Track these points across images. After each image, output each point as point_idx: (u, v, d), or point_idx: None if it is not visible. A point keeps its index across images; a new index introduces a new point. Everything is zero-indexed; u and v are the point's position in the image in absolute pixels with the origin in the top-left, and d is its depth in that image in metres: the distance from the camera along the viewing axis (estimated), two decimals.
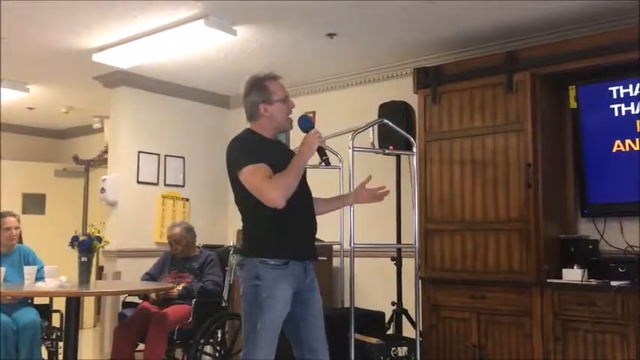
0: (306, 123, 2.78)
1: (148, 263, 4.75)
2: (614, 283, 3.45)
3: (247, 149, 2.66)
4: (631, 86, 3.76)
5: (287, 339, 2.74)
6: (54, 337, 4.33)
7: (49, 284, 3.60)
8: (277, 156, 2.68)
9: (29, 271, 3.87)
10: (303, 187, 2.73)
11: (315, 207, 2.87)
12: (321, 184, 4.94)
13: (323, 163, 2.77)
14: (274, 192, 2.54)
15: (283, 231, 2.64)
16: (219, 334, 4.43)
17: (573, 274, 3.65)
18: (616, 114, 3.83)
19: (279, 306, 2.58)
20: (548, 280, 3.71)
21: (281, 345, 2.64)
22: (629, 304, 3.41)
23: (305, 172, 2.76)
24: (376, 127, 4.11)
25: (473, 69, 4.12)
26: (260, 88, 2.74)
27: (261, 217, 2.62)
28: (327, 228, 4.55)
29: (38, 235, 5.57)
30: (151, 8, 3.94)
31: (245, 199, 2.65)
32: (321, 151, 2.73)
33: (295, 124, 2.82)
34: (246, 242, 2.71)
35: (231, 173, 2.67)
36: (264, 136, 2.74)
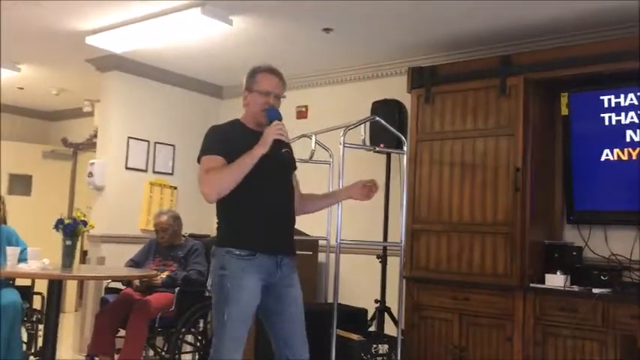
0: (273, 114, 2.64)
1: (133, 249, 4.73)
2: (595, 291, 3.48)
3: (211, 139, 2.66)
4: (622, 96, 3.78)
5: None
6: (34, 319, 4.31)
7: (31, 266, 3.58)
8: (248, 148, 2.55)
9: (12, 252, 3.83)
10: (280, 181, 2.68)
11: (311, 203, 2.86)
12: (311, 179, 4.95)
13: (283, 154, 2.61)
14: (204, 186, 2.55)
15: (250, 222, 2.59)
16: (201, 324, 4.42)
17: (556, 280, 3.67)
18: (606, 123, 3.85)
19: (245, 296, 2.52)
20: (531, 285, 3.73)
21: (267, 342, 2.61)
22: (609, 311, 3.44)
23: (289, 166, 2.72)
24: (368, 124, 4.11)
25: (467, 71, 4.13)
26: (249, 76, 2.72)
27: (229, 207, 2.61)
28: (314, 223, 4.57)
29: (23, 216, 5.52)
30: None
31: None
32: (282, 144, 2.57)
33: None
34: (217, 232, 2.70)
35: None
36: (247, 126, 2.70)
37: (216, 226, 2.71)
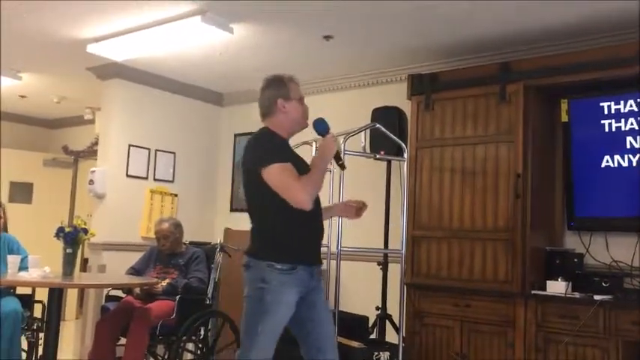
0: (323, 126, 2.77)
1: (134, 257, 4.72)
2: (597, 297, 3.48)
3: (272, 147, 2.64)
4: (622, 103, 3.79)
5: (287, 342, 2.73)
6: (35, 327, 4.29)
7: (32, 274, 3.57)
8: (294, 157, 2.68)
9: (13, 260, 3.83)
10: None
11: None
12: None
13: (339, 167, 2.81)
14: (303, 194, 2.54)
15: (294, 235, 2.63)
16: (202, 332, 4.41)
17: (557, 287, 3.67)
18: (606, 129, 3.86)
19: (283, 311, 2.56)
20: (533, 292, 3.73)
21: (279, 347, 2.63)
22: (611, 318, 3.43)
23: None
24: (368, 131, 4.12)
25: (467, 78, 4.14)
26: (279, 84, 2.76)
27: (275, 219, 2.61)
28: None
29: (24, 224, 5.52)
30: (150, 2, 3.92)
31: (262, 200, 2.62)
32: (337, 155, 2.74)
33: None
34: (256, 244, 2.67)
35: (250, 171, 2.64)
36: (281, 135, 2.73)
37: (251, 235, 2.71)
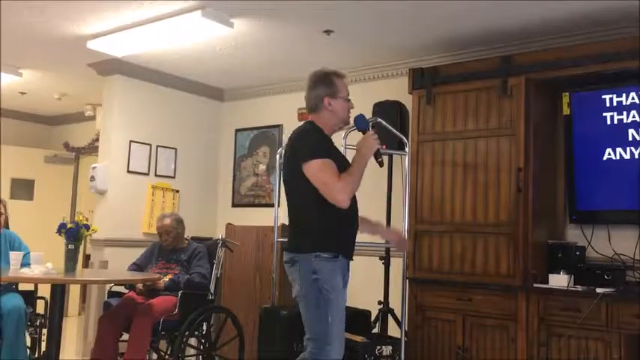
0: (363, 123, 2.82)
1: (136, 253, 4.73)
2: (599, 290, 3.48)
3: (316, 142, 2.69)
4: (624, 95, 3.78)
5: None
6: (38, 323, 4.30)
7: (34, 270, 3.58)
8: (335, 154, 2.73)
9: (15, 256, 3.83)
10: None
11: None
12: None
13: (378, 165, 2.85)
14: (342, 192, 2.60)
15: (335, 227, 2.68)
16: (205, 327, 4.42)
17: (559, 280, 3.67)
18: (608, 122, 3.85)
19: (340, 296, 2.66)
20: (535, 285, 3.73)
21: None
22: (613, 311, 3.43)
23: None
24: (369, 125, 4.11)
25: (468, 72, 4.13)
26: (327, 82, 2.80)
27: (318, 212, 2.66)
28: None
29: (26, 221, 5.53)
30: None
31: (305, 193, 2.67)
32: (377, 152, 2.78)
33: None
34: (298, 238, 2.73)
35: (294, 164, 2.68)
36: (324, 131, 2.79)
37: (290, 230, 2.79)
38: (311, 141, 2.70)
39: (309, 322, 2.65)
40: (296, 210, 2.76)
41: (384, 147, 4.14)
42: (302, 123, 2.86)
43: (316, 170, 2.60)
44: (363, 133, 2.81)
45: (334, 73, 2.84)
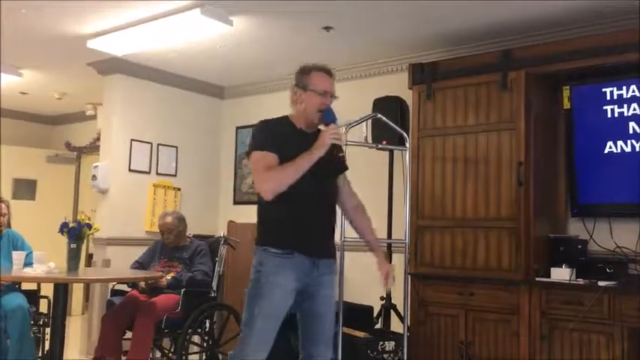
0: (329, 117, 2.67)
1: (138, 251, 4.74)
2: (601, 284, 3.47)
3: (262, 134, 2.65)
4: (624, 88, 3.77)
5: (286, 339, 2.73)
6: (41, 323, 4.32)
7: (37, 270, 3.59)
8: (297, 148, 2.58)
9: (18, 256, 3.85)
10: (325, 184, 2.70)
11: (358, 224, 2.90)
12: None
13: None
14: (265, 184, 2.55)
15: (290, 222, 2.61)
16: (207, 325, 4.43)
17: (561, 274, 3.66)
18: (609, 115, 3.84)
19: (278, 294, 2.55)
20: (537, 279, 3.73)
21: (279, 344, 2.63)
22: (615, 304, 3.43)
23: (337, 170, 2.77)
24: (370, 121, 4.11)
25: (468, 66, 4.12)
26: (302, 74, 2.72)
27: (270, 205, 2.59)
28: None
29: (28, 220, 5.54)
30: None
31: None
32: (338, 149, 2.69)
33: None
34: (257, 230, 2.72)
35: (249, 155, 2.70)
36: (296, 125, 2.70)
37: (256, 225, 2.74)
38: (259, 132, 2.67)
39: (244, 310, 2.62)
40: (258, 203, 2.72)
41: (384, 142, 4.15)
42: None
43: (253, 162, 2.61)
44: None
45: (316, 66, 2.72)
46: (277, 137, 2.63)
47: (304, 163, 2.56)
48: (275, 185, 2.54)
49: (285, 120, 2.73)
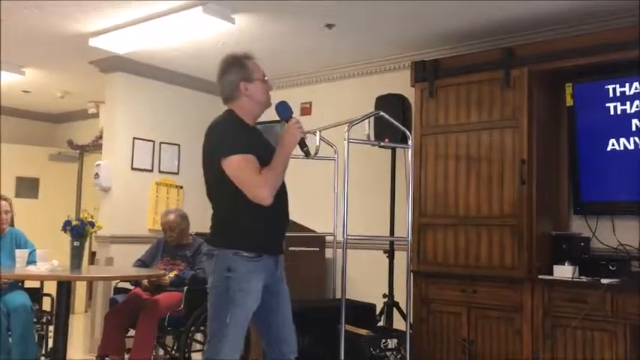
0: (286, 111, 2.63)
1: (141, 249, 4.75)
2: (604, 281, 3.47)
3: (233, 136, 2.54)
4: (627, 85, 3.77)
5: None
6: (44, 321, 4.33)
7: (40, 268, 3.60)
8: (258, 145, 2.59)
9: (20, 254, 3.86)
10: (282, 181, 2.66)
11: None
12: (316, 175, 4.95)
13: (304, 154, 2.69)
14: (263, 189, 2.47)
15: (259, 223, 2.55)
16: None
17: (564, 271, 3.66)
18: (612, 113, 3.83)
19: (250, 299, 2.51)
20: (539, 277, 3.72)
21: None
22: (618, 302, 3.43)
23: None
24: (372, 119, 4.11)
25: (470, 64, 4.12)
26: (240, 66, 2.63)
27: (237, 207, 2.53)
28: (321, 219, 4.58)
29: (31, 219, 5.56)
30: None
31: (222, 187, 2.55)
32: (302, 142, 2.62)
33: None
34: (219, 232, 2.61)
35: (211, 159, 2.57)
36: (245, 121, 2.64)
37: (211, 223, 2.65)
38: (228, 134, 2.54)
39: (210, 316, 2.55)
40: (217, 205, 2.63)
41: (387, 140, 4.15)
42: (221, 113, 2.68)
43: (235, 167, 2.47)
44: (286, 122, 2.63)
45: (244, 55, 2.66)
46: (244, 137, 2.56)
47: (285, 159, 2.56)
48: (273, 189, 2.50)
49: (235, 117, 2.64)
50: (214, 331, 2.51)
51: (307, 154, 2.69)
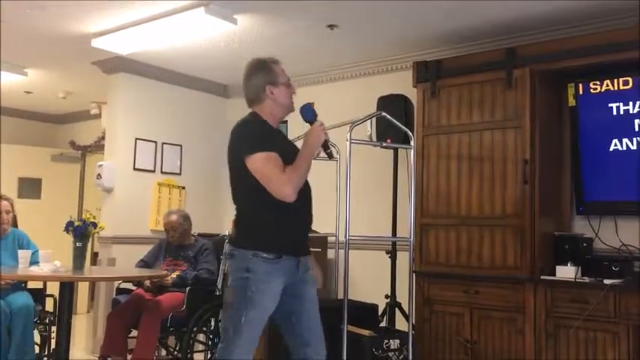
0: (310, 113, 2.68)
1: (143, 250, 4.75)
2: (607, 282, 3.47)
3: (258, 135, 2.57)
4: (629, 84, 3.76)
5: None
6: (47, 321, 4.33)
7: (43, 268, 3.60)
8: (282, 146, 2.62)
9: (23, 255, 3.86)
10: (306, 182, 2.68)
11: None
12: (318, 176, 4.94)
13: (326, 156, 2.73)
14: (287, 186, 2.48)
15: (281, 224, 2.56)
16: (212, 323, 4.43)
17: (567, 272, 3.66)
18: (614, 113, 3.83)
19: (267, 300, 2.51)
20: (542, 277, 3.72)
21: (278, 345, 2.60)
22: (621, 302, 3.42)
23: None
24: (374, 119, 4.11)
25: (472, 64, 4.12)
26: (266, 70, 2.67)
27: (261, 207, 2.54)
28: (323, 219, 4.56)
29: (33, 219, 5.56)
30: None
31: (247, 187, 2.55)
32: (325, 144, 2.67)
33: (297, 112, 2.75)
34: (240, 232, 2.63)
35: (235, 158, 2.58)
36: (269, 123, 2.67)
37: (235, 224, 2.67)
38: (253, 133, 2.57)
39: (225, 316, 2.55)
40: (240, 205, 2.64)
41: (389, 141, 4.15)
42: (245, 115, 2.70)
43: (259, 164, 2.49)
44: (311, 124, 2.66)
45: (270, 59, 2.70)
46: (269, 136, 2.60)
47: (310, 159, 2.58)
48: (297, 187, 2.51)
49: (260, 119, 2.66)
50: (228, 330, 2.52)
51: (330, 156, 2.75)
